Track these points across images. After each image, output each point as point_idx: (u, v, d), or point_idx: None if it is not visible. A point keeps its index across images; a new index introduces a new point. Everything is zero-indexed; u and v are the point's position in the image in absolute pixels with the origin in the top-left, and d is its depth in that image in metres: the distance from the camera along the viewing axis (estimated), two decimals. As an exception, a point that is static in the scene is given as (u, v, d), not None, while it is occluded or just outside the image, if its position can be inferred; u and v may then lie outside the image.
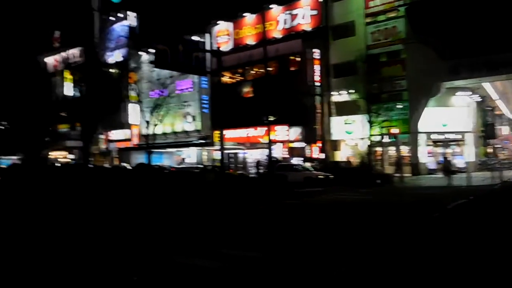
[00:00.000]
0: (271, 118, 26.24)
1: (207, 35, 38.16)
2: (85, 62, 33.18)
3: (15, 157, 54.82)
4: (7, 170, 33.28)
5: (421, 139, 30.08)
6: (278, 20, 34.63)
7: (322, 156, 31.64)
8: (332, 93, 32.38)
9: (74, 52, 43.50)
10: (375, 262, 6.58)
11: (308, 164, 28.83)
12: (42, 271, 6.32)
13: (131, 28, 43.81)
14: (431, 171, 29.92)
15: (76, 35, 40.17)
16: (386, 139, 29.11)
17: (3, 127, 51.88)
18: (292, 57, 33.49)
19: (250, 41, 36.26)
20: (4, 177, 28.71)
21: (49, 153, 47.82)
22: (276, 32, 34.53)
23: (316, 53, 32.07)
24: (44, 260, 7.07)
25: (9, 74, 37.19)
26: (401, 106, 29.35)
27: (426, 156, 30.56)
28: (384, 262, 6.58)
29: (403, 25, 29.42)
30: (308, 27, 33.08)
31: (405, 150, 29.96)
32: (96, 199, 16.16)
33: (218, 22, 38.40)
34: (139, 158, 41.35)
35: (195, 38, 31.27)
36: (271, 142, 25.61)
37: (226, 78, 36.01)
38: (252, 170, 33.07)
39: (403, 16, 29.39)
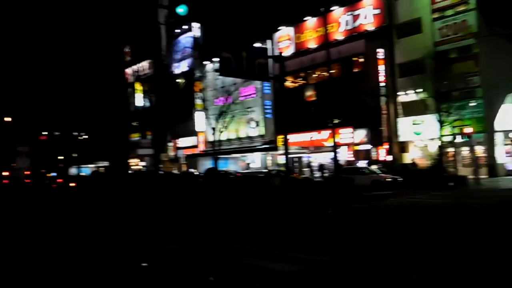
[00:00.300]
0: (336, 121, 25.91)
1: (268, 41, 38.62)
2: (154, 74, 35.00)
3: (92, 165, 58.82)
4: (89, 177, 35.61)
5: (498, 138, 28.21)
6: (340, 22, 34.22)
7: (389, 158, 30.70)
8: (398, 93, 31.36)
9: (143, 65, 45.94)
10: (450, 272, 6.32)
11: (374, 167, 28.13)
12: (127, 272, 6.79)
13: (195, 39, 45.45)
14: (510, 172, 27.93)
15: (145, 49, 42.38)
16: (458, 139, 27.61)
17: (81, 138, 55.87)
18: (355, 58, 32.91)
19: (312, 44, 36.16)
20: (82, 184, 30.84)
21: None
22: (338, 34, 34.15)
23: (380, 53, 31.25)
24: (125, 261, 7.57)
25: (89, 88, 40.08)
26: (474, 104, 27.71)
27: (504, 156, 28.60)
28: (461, 272, 6.31)
29: (474, 18, 27.85)
30: (371, 27, 32.37)
31: (480, 150, 28.24)
32: (170, 203, 16.91)
33: (279, 28, 38.72)
34: (206, 164, 42.63)
35: (257, 44, 31.77)
36: (336, 145, 25.29)
37: (289, 83, 36.13)
38: (317, 174, 32.85)
39: (474, 9, 27.81)
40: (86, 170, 58.19)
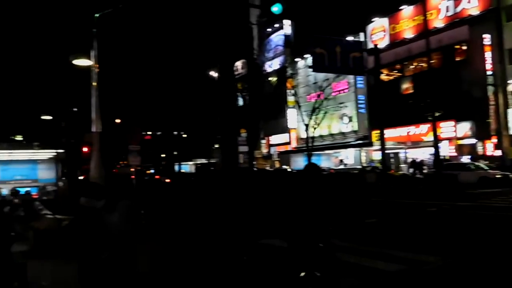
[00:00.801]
0: (436, 114, 24.39)
1: (361, 34, 37.59)
2: (248, 73, 35.96)
3: (191, 163, 62.24)
4: (194, 173, 37.58)
5: None
6: (440, 8, 32.07)
7: (498, 153, 28.12)
8: (509, 81, 28.58)
9: (237, 65, 47.46)
10: None
11: (480, 162, 25.99)
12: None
13: (286, 37, 45.80)
14: None
15: (238, 49, 43.62)
16: None
17: (181, 137, 59.30)
18: (457, 46, 30.66)
19: (408, 34, 34.39)
20: (185, 180, 32.70)
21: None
22: (437, 21, 32.06)
23: (487, 38, 28.71)
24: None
25: (187, 91, 42.44)
26: None
27: None
28: None
29: None
30: (475, 11, 29.86)
31: None
32: (265, 198, 17.37)
33: (372, 20, 37.47)
34: (298, 160, 42.84)
35: (349, 38, 31.11)
36: (436, 140, 23.83)
37: (383, 76, 34.84)
38: (413, 170, 31.27)
39: None
40: (186, 167, 61.76)
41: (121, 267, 5.67)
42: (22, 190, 16.81)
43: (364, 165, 35.61)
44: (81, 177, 24.80)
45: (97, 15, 10.76)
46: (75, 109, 27.50)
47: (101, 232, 5.39)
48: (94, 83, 11.17)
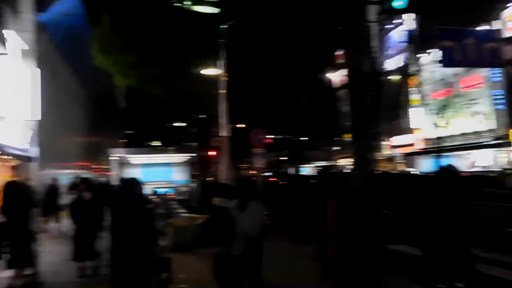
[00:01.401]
0: None
1: (494, 22, 33.84)
2: (369, 73, 34.97)
3: (311, 165, 62.46)
4: (318, 175, 37.85)
5: None
6: None
7: None
8: None
9: (357, 65, 46.46)
10: None
11: None
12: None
13: (409, 32, 43.31)
14: None
15: (356, 49, 42.62)
16: None
17: (298, 140, 59.89)
18: None
19: (556, 17, 30.02)
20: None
21: (338, 161, 52.62)
22: None
23: None
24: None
25: (298, 93, 42.78)
26: None
27: None
28: None
29: None
30: None
31: None
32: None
33: (507, 5, 33.51)
34: (424, 163, 40.19)
35: (482, 28, 28.38)
36: None
37: (525, 67, 30.90)
38: None
39: None
40: (304, 169, 62.15)
41: (251, 264, 5.95)
42: (160, 191, 18.61)
43: (505, 167, 31.96)
44: (208, 179, 26.56)
45: (223, 26, 11.45)
46: (204, 116, 29.60)
47: (234, 230, 5.74)
48: (223, 91, 11.89)
